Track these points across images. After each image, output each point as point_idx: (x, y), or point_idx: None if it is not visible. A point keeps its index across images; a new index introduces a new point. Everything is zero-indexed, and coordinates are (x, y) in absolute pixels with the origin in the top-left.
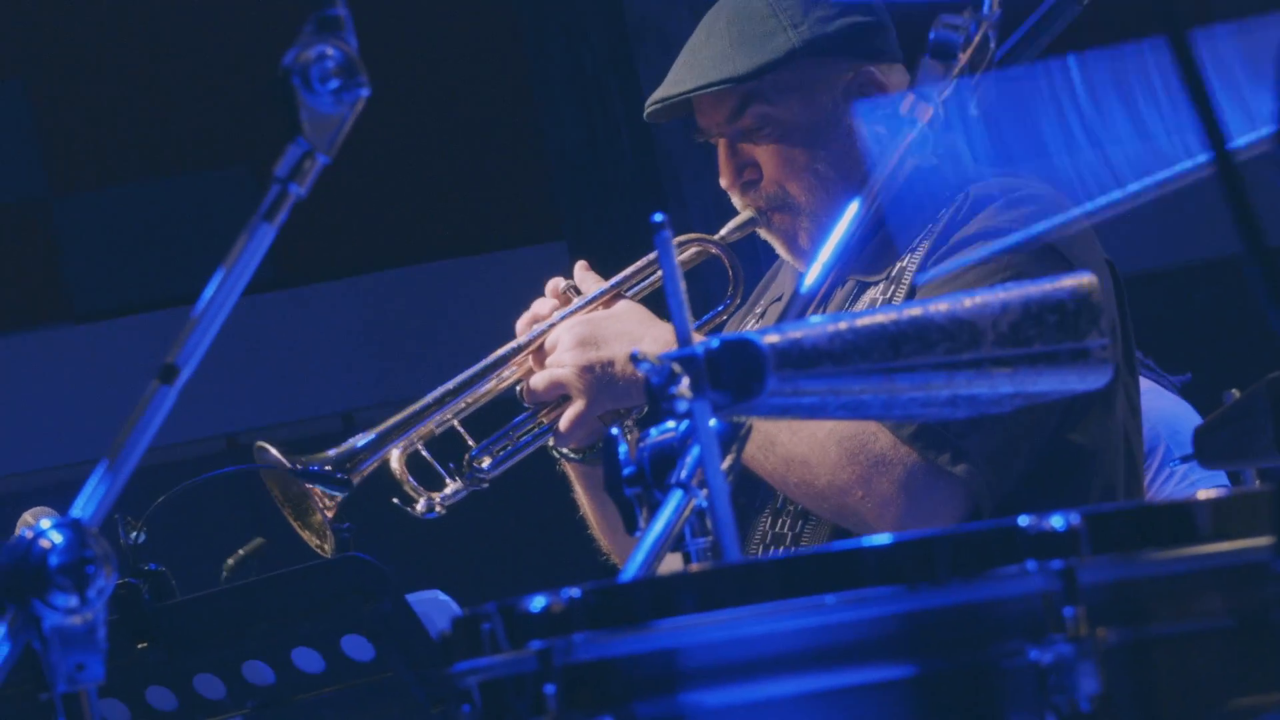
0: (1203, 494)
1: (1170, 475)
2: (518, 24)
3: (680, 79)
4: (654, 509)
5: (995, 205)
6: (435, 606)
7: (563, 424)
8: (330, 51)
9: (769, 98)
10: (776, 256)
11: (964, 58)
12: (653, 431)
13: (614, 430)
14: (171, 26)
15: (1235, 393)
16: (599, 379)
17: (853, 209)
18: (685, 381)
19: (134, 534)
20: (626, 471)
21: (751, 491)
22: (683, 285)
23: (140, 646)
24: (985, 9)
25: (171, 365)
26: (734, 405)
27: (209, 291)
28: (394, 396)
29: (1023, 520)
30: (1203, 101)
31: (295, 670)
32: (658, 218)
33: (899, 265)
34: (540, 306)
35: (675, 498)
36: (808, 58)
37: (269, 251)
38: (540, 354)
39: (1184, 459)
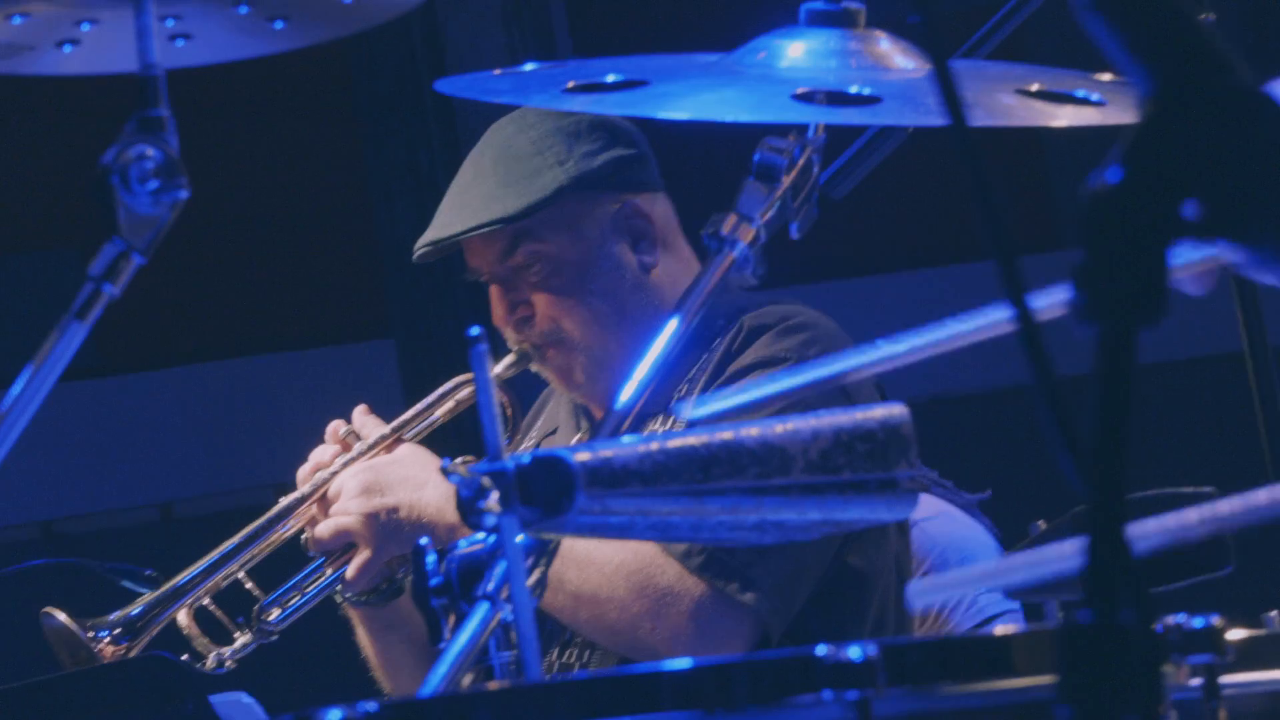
0: (999, 630)
1: (960, 602)
2: (356, 121)
3: (449, 221)
4: (460, 621)
5: (771, 333)
6: (239, 710)
7: (350, 572)
8: (150, 152)
9: (539, 235)
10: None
11: (787, 180)
12: (462, 543)
13: (423, 540)
14: (2, 106)
15: (1042, 524)
16: (384, 526)
17: (671, 326)
18: (494, 496)
19: None
20: (434, 582)
21: (539, 625)
22: (497, 397)
23: None
24: (810, 134)
25: None
26: (543, 522)
27: (16, 387)
28: (214, 489)
29: (820, 649)
30: (1000, 238)
31: None
32: (474, 331)
33: (676, 396)
34: (321, 454)
35: (481, 610)
36: (574, 193)
37: (91, 338)
38: (324, 503)
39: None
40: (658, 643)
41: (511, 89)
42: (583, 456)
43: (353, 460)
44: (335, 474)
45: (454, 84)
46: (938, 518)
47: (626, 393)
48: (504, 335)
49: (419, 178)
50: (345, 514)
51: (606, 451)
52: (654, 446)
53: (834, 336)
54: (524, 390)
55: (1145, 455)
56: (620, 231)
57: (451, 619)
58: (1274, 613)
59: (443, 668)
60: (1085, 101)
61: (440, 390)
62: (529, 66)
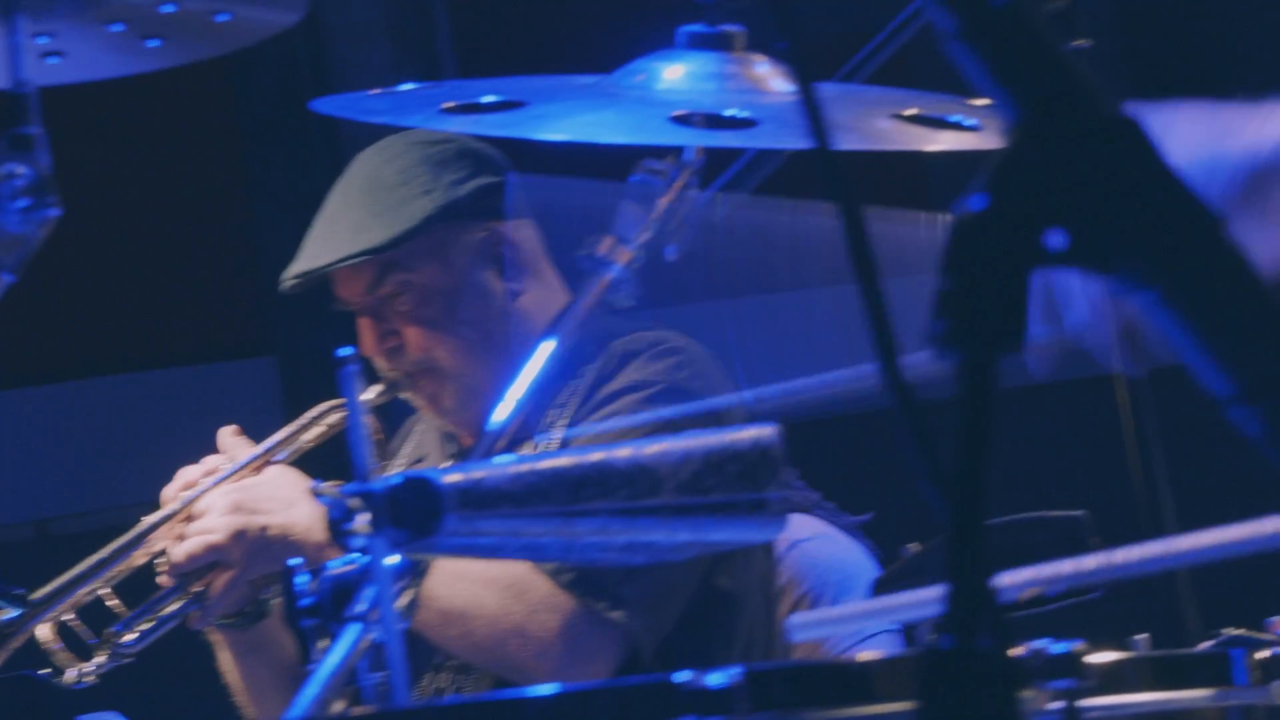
0: (861, 655)
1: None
2: (239, 139)
3: (318, 252)
4: (332, 642)
5: (643, 358)
6: None
7: (215, 590)
8: (20, 170)
9: (407, 265)
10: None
11: (663, 202)
12: (334, 563)
13: (293, 560)
14: None
15: (914, 546)
16: (252, 544)
17: (547, 346)
18: (363, 517)
19: None
20: (305, 603)
21: (412, 646)
22: (367, 420)
23: None
24: (687, 155)
25: None
26: (412, 543)
27: None
28: (91, 507)
29: (682, 675)
30: (864, 261)
31: None
32: (343, 352)
33: (546, 420)
34: (189, 473)
35: (351, 632)
36: (441, 222)
37: None
38: (192, 521)
39: None
40: (525, 658)
41: (389, 109)
42: (453, 478)
43: (221, 481)
44: (204, 492)
45: (331, 103)
46: (818, 539)
47: (500, 414)
48: (374, 364)
49: (302, 195)
50: (212, 531)
51: (477, 473)
52: (524, 468)
53: (703, 361)
54: (391, 414)
55: (1015, 478)
56: (487, 259)
57: (322, 641)
58: (1143, 636)
59: (311, 689)
60: (960, 126)
61: (310, 414)
62: (406, 86)
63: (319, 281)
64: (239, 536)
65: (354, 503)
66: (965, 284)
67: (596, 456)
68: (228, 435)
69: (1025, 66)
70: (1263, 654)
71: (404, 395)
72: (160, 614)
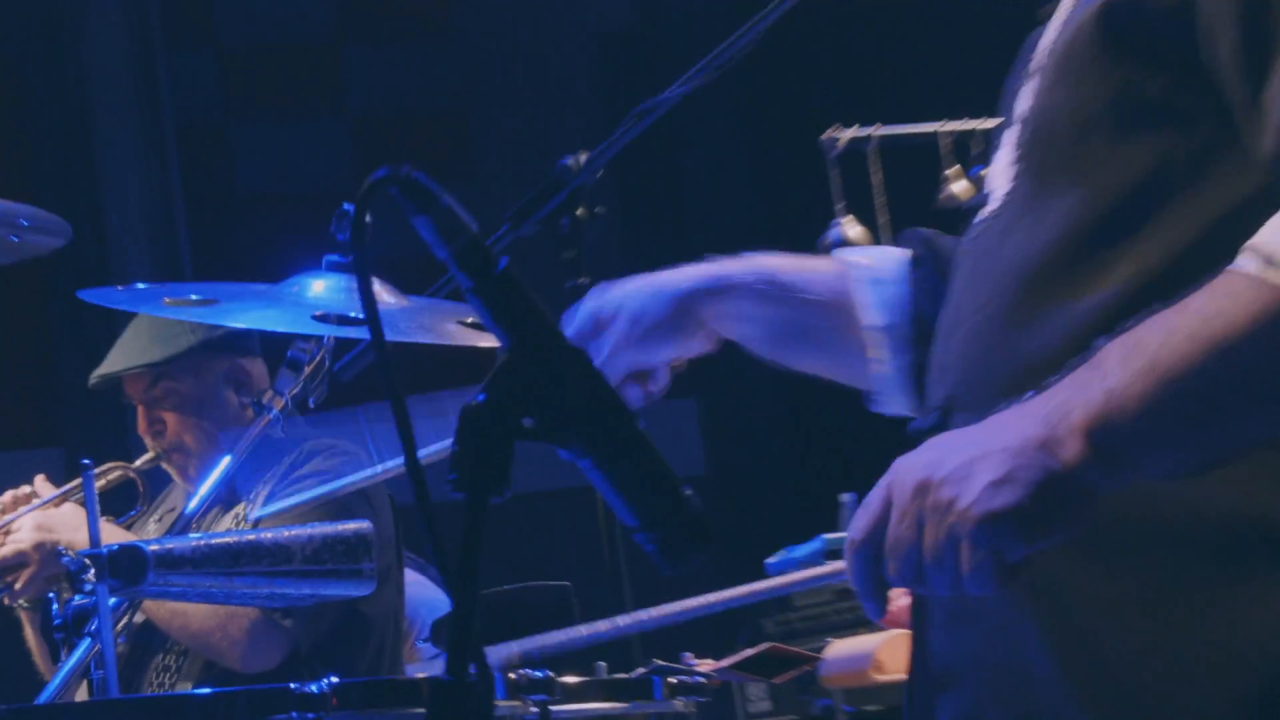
0: (420, 675)
1: (427, 649)
2: (44, 294)
3: (114, 361)
4: (72, 649)
5: (322, 456)
6: None
7: (19, 583)
8: None
9: (174, 376)
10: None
11: (308, 369)
12: (78, 597)
13: (50, 594)
14: None
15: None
16: (49, 552)
17: (225, 461)
18: (92, 570)
19: None
20: (56, 622)
21: (151, 634)
22: (97, 506)
23: None
24: (325, 340)
25: None
26: (126, 589)
27: None
28: None
29: (293, 684)
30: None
31: None
32: (85, 461)
33: (254, 495)
34: (3, 497)
35: (85, 644)
36: (201, 351)
37: None
38: (7, 534)
39: (424, 640)
40: (224, 646)
41: (127, 299)
42: (154, 547)
43: (32, 510)
44: (20, 516)
45: (92, 294)
46: (412, 583)
47: (193, 503)
48: (145, 441)
49: (87, 325)
50: (21, 541)
51: (171, 544)
52: (202, 543)
53: (364, 461)
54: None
55: (520, 562)
56: (229, 382)
57: (67, 649)
58: (603, 663)
59: (56, 681)
60: None
61: (98, 469)
62: (140, 285)
63: (114, 382)
64: (39, 546)
65: (86, 561)
66: (468, 450)
67: (250, 537)
68: (39, 480)
69: (513, 313)
70: (674, 679)
71: (164, 467)
72: None
